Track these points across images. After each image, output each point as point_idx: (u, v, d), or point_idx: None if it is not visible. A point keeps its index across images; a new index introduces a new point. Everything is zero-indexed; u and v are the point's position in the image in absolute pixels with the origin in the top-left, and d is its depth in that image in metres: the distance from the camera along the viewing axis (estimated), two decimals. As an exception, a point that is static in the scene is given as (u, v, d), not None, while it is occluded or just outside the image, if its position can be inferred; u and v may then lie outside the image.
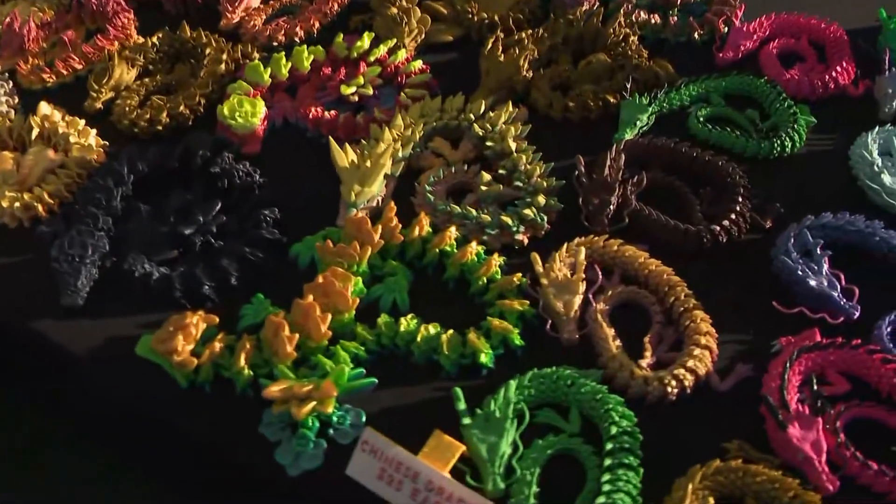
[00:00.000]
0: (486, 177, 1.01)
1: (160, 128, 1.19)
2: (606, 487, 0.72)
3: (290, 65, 1.23)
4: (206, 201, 1.05)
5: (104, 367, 0.92)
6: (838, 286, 0.85)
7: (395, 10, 1.27)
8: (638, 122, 1.05)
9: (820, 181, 1.00)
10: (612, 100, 1.10)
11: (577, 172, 0.99)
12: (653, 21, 1.21)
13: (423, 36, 1.28)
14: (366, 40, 1.23)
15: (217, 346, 0.87)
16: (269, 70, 1.22)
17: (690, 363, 0.80)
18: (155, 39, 1.33)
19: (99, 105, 1.23)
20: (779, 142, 1.01)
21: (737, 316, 0.86)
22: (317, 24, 1.33)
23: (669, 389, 0.79)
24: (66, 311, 0.95)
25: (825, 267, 0.86)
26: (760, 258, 0.91)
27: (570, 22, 1.20)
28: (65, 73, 1.31)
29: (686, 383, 0.79)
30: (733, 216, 0.93)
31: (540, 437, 0.78)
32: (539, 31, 1.21)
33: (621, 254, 0.91)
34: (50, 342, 0.94)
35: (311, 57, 1.23)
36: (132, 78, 1.29)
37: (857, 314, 0.84)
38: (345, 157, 1.03)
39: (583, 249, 0.91)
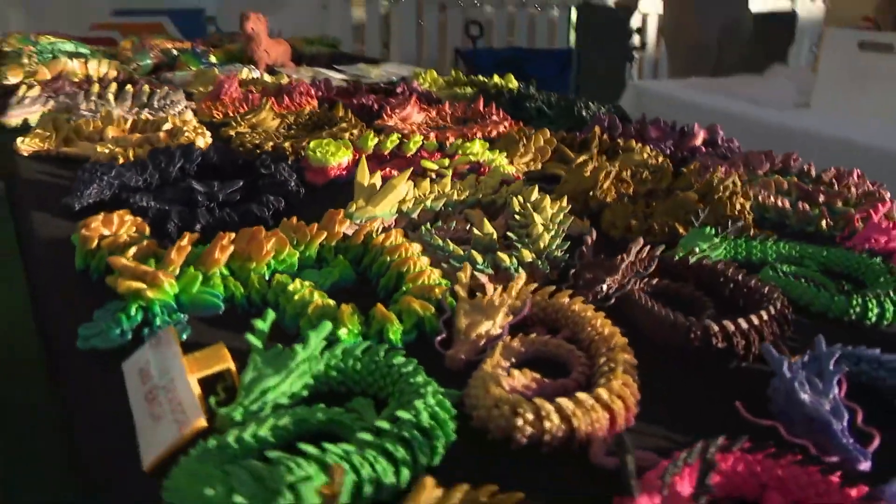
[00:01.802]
0: (489, 227, 0.87)
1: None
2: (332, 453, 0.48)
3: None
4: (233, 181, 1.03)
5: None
6: (845, 417, 0.55)
7: (516, 134, 1.24)
8: (696, 249, 0.85)
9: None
10: (680, 229, 0.91)
11: (583, 245, 0.81)
12: (780, 205, 1.03)
13: (539, 167, 1.22)
14: (482, 149, 1.20)
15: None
16: (375, 140, 1.22)
17: (569, 407, 0.55)
18: (308, 109, 1.43)
19: (231, 132, 1.32)
20: (858, 301, 0.75)
21: (698, 420, 0.59)
22: (451, 139, 1.34)
23: (519, 423, 0.54)
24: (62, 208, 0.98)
25: (835, 392, 0.57)
26: (762, 379, 0.63)
27: (688, 179, 1.06)
28: (230, 112, 1.44)
29: (547, 426, 0.54)
30: (744, 325, 0.67)
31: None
32: (644, 173, 1.08)
33: (567, 308, 0.70)
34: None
35: (419, 143, 1.22)
36: (273, 126, 1.37)
37: (867, 465, 0.53)
38: (367, 177, 0.96)
39: (528, 294, 0.72)
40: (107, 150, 1.17)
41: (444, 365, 0.65)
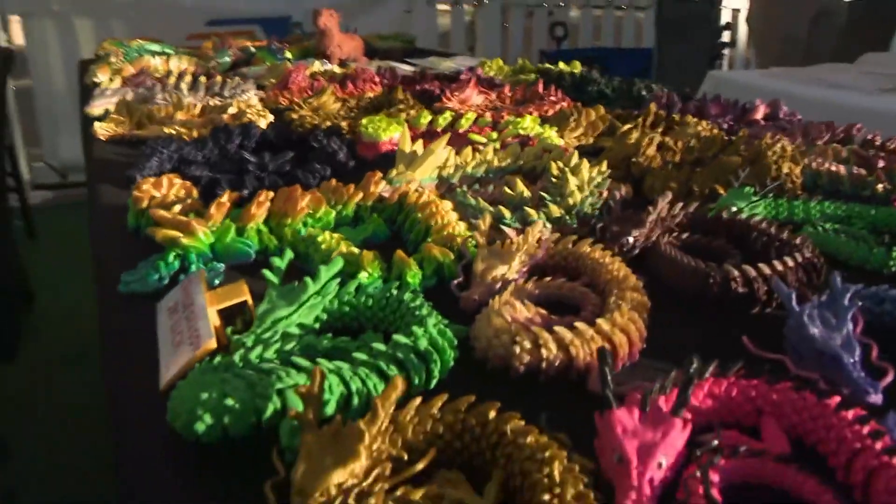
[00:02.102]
0: (521, 187, 0.87)
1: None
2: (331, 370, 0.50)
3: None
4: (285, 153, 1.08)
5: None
6: (857, 352, 0.54)
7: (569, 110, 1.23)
8: (733, 208, 0.84)
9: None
10: (720, 190, 0.90)
11: (611, 198, 0.81)
12: (833, 170, 0.99)
13: (590, 141, 1.21)
14: (532, 124, 1.20)
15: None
16: (428, 118, 1.24)
17: (567, 337, 0.55)
18: (370, 94, 1.47)
19: (293, 116, 1.37)
20: (899, 253, 0.72)
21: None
22: (506, 117, 1.34)
23: (517, 351, 0.54)
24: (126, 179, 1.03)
25: (849, 328, 0.55)
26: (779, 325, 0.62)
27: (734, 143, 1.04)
28: (295, 99, 1.50)
29: (544, 353, 0.54)
30: (766, 270, 0.66)
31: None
32: (692, 142, 1.07)
33: (587, 255, 0.69)
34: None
35: (472, 120, 1.23)
36: (335, 109, 1.41)
37: (877, 398, 0.51)
38: (409, 144, 0.98)
39: (549, 234, 0.72)
40: (173, 131, 1.23)
41: (460, 309, 0.66)
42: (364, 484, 0.41)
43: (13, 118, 3.49)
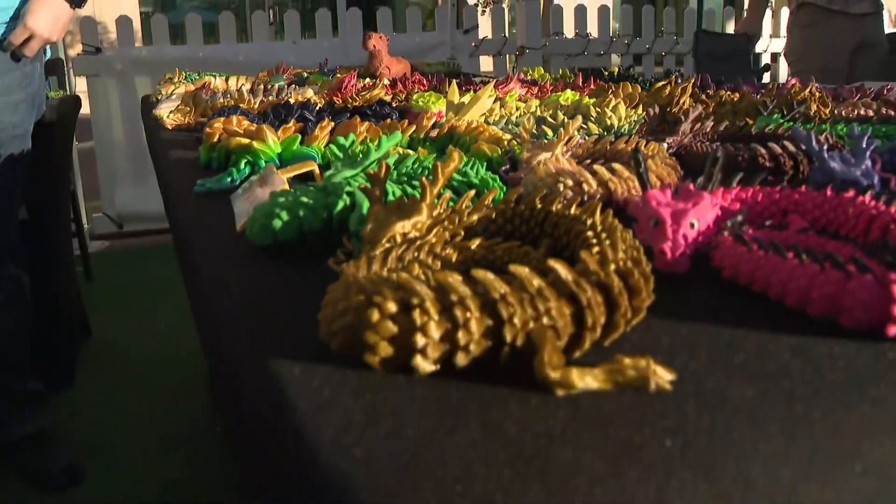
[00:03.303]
0: (561, 116, 0.94)
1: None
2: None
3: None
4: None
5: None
6: (876, 178, 0.58)
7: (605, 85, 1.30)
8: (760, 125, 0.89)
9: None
10: (749, 121, 0.95)
11: (648, 115, 0.87)
12: (861, 114, 1.04)
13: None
14: (572, 95, 1.27)
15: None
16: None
17: (605, 175, 0.60)
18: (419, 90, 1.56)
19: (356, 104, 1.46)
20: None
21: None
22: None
23: (560, 188, 0.60)
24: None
25: (868, 163, 0.60)
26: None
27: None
28: (348, 98, 1.60)
29: (585, 188, 0.60)
30: (791, 147, 0.71)
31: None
32: (724, 96, 1.12)
33: (624, 149, 0.75)
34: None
35: (515, 96, 1.31)
36: (386, 98, 1.51)
37: (876, 183, 0.55)
38: (457, 95, 1.06)
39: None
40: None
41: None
42: (426, 238, 0.46)
43: (77, 173, 3.67)
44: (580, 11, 4.44)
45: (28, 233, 1.73)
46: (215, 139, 0.93)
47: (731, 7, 6.68)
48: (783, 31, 5.07)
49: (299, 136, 0.84)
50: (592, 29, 4.50)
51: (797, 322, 0.41)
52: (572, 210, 0.48)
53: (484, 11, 5.26)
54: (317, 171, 0.69)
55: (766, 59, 4.69)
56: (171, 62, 4.00)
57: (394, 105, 1.37)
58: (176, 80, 2.03)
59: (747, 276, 0.45)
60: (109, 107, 3.93)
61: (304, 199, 0.53)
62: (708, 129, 0.86)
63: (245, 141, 0.81)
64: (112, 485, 1.64)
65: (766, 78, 4.63)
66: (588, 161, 0.73)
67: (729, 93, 1.29)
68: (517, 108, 1.07)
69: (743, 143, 0.84)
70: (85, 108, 3.88)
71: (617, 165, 0.61)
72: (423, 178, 0.47)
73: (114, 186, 3.91)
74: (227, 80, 2.05)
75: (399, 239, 0.45)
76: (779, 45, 4.93)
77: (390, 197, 0.54)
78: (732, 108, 1.10)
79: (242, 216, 0.63)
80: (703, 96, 1.13)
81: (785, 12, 5.04)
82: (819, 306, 0.40)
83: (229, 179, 0.79)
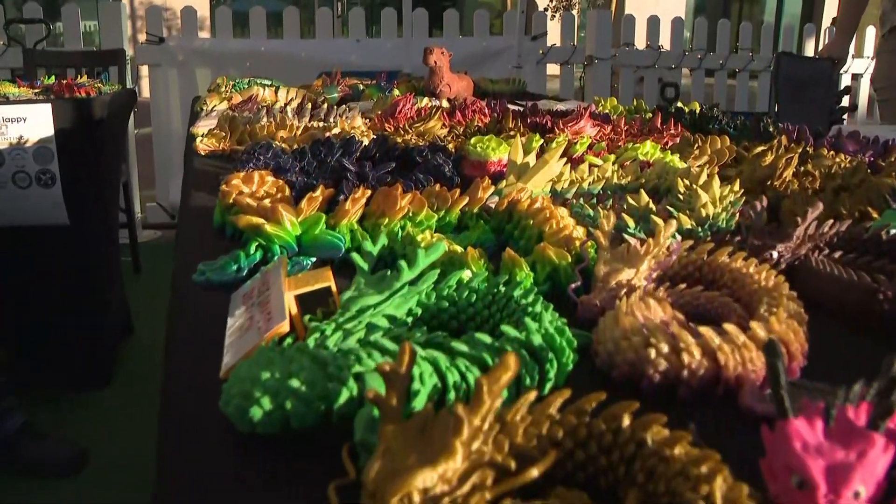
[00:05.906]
0: (645, 198, 0.77)
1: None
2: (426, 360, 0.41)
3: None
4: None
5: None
6: None
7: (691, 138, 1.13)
8: (892, 230, 0.71)
9: None
10: (874, 214, 0.77)
11: (750, 209, 0.70)
12: None
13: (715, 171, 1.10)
14: (653, 150, 1.11)
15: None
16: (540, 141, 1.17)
17: (714, 341, 0.45)
18: (479, 124, 1.41)
19: (399, 139, 1.32)
20: None
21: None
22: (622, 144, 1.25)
23: (651, 354, 0.44)
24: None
25: None
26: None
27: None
28: (401, 125, 1.45)
29: (686, 360, 0.44)
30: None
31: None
32: (833, 167, 0.94)
33: (727, 265, 0.59)
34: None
35: (587, 144, 1.15)
36: (441, 134, 1.36)
37: None
38: (521, 155, 0.90)
39: (677, 244, 0.62)
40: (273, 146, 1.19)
41: (577, 319, 0.56)
42: (458, 493, 0.31)
43: (132, 161, 3.63)
44: (653, 22, 4.22)
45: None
46: (230, 201, 0.79)
47: (811, 24, 6.34)
48: (866, 51, 4.76)
49: (323, 218, 0.70)
50: (665, 41, 4.28)
51: None
52: (676, 451, 0.33)
53: (553, 17, 5.06)
54: (334, 288, 0.55)
55: (846, 81, 4.39)
56: (232, 56, 3.94)
57: (450, 145, 1.22)
58: (223, 88, 1.91)
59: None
60: (169, 97, 3.89)
61: (294, 385, 0.38)
62: (826, 232, 0.69)
63: (256, 220, 0.67)
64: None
65: (846, 101, 4.35)
66: (681, 286, 0.57)
67: (833, 153, 1.11)
68: (589, 173, 0.91)
69: (872, 255, 0.67)
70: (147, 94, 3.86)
71: (729, 327, 0.45)
72: (460, 407, 0.32)
73: (169, 177, 3.87)
74: (276, 91, 1.92)
75: (417, 498, 0.30)
76: (860, 65, 4.62)
77: (416, 385, 0.38)
78: (842, 181, 0.92)
79: (232, 352, 0.49)
80: (809, 165, 0.95)
81: (869, 32, 4.73)
82: None
83: (235, 268, 0.65)
